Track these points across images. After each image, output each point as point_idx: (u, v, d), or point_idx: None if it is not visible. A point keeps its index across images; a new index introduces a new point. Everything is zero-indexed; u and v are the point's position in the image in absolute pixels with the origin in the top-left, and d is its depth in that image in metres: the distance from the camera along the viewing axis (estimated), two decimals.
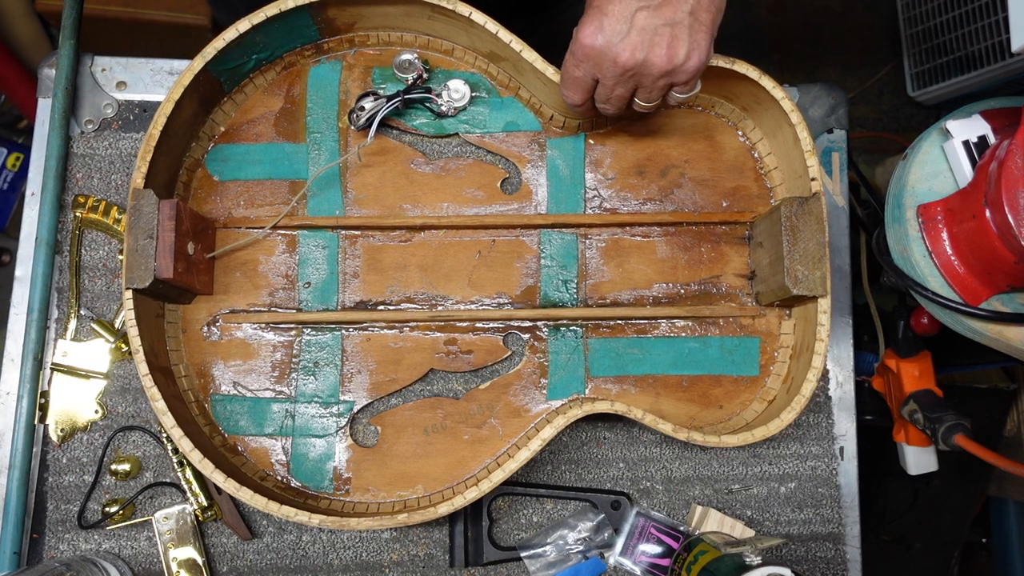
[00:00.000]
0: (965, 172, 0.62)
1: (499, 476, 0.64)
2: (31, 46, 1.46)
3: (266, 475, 0.68)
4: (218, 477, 0.60)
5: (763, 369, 0.72)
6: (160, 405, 0.61)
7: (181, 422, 0.62)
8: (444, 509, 0.63)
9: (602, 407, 0.65)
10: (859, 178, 0.82)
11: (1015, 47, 0.59)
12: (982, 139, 0.62)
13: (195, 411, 0.67)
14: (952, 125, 0.63)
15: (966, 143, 0.63)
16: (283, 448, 0.68)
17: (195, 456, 0.61)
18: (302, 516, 0.61)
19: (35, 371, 0.70)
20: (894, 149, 1.54)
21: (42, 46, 1.47)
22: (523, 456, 0.64)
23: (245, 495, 0.61)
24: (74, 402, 0.72)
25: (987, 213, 0.57)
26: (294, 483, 0.68)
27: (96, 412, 0.72)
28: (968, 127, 0.63)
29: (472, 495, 0.63)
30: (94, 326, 0.72)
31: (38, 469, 0.71)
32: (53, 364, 0.72)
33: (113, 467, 0.70)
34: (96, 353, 0.72)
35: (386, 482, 0.68)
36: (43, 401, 0.71)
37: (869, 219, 0.82)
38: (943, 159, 0.64)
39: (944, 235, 0.62)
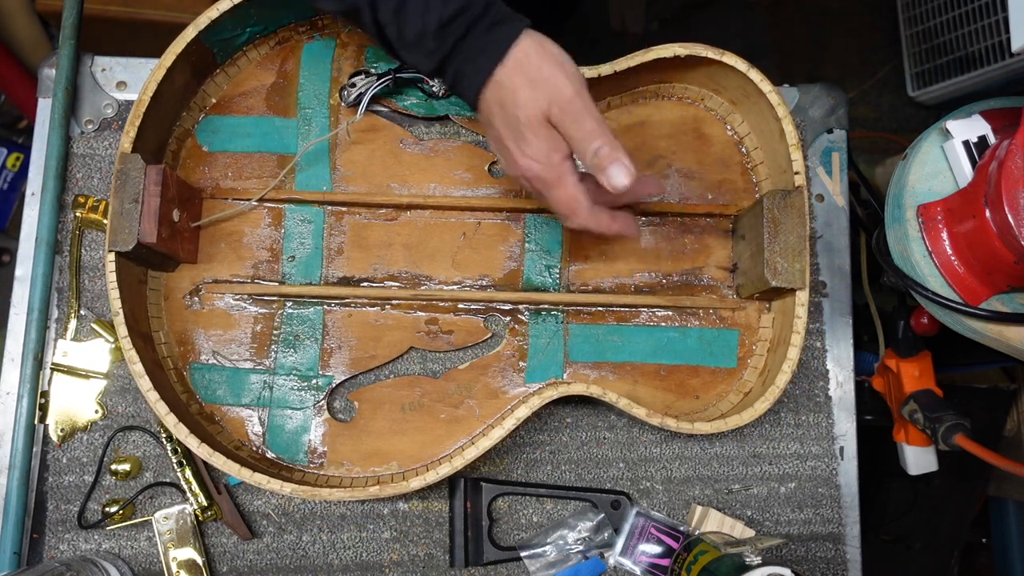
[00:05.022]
0: (965, 172, 0.62)
1: (472, 453, 0.65)
2: (31, 46, 1.46)
3: (241, 444, 0.68)
4: (192, 442, 0.61)
5: (741, 361, 0.72)
6: (138, 368, 0.62)
7: (158, 387, 0.62)
8: (416, 484, 0.63)
9: (577, 389, 0.66)
10: (859, 178, 0.82)
11: (1015, 47, 0.59)
12: (982, 139, 0.62)
13: (173, 378, 0.68)
14: (952, 125, 0.63)
15: (966, 143, 0.63)
16: (260, 419, 0.69)
17: (170, 420, 0.61)
18: (274, 484, 0.61)
19: (35, 371, 0.70)
20: (894, 149, 1.54)
21: (42, 46, 1.47)
22: (497, 435, 0.65)
23: (218, 461, 0.61)
24: (74, 402, 0.72)
25: (987, 213, 0.57)
26: (269, 454, 0.68)
27: (96, 412, 0.72)
28: (968, 127, 0.63)
29: (445, 470, 0.64)
30: (94, 326, 0.72)
31: (38, 469, 0.71)
32: (53, 364, 0.72)
33: (113, 467, 0.70)
34: (96, 353, 0.72)
35: (361, 457, 0.68)
36: (43, 401, 0.71)
37: (869, 219, 0.82)
38: (943, 159, 0.64)
39: (944, 235, 0.62)
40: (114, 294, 0.62)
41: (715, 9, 1.77)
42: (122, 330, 0.62)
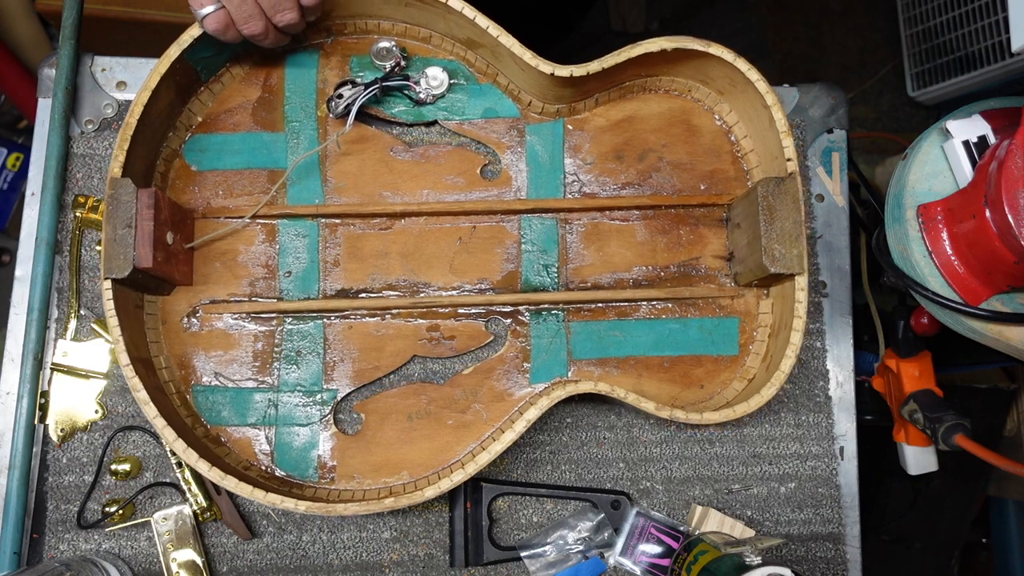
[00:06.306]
0: (965, 172, 0.62)
1: (485, 458, 0.64)
2: (31, 46, 1.46)
3: (250, 465, 0.68)
4: (202, 466, 0.60)
5: (742, 348, 0.72)
6: (142, 395, 0.61)
7: (163, 413, 0.62)
8: (431, 493, 0.63)
9: (585, 387, 0.66)
10: (859, 178, 0.82)
11: (1015, 47, 0.59)
12: (982, 139, 0.62)
13: (177, 402, 0.67)
14: (952, 125, 0.63)
15: (966, 143, 0.63)
16: (267, 438, 0.69)
17: (179, 446, 0.61)
18: (288, 503, 0.61)
19: (35, 371, 0.70)
20: (894, 149, 1.55)
21: (42, 46, 1.47)
22: (508, 438, 0.65)
23: (230, 483, 0.61)
24: (74, 402, 0.72)
25: (987, 213, 0.57)
26: (278, 472, 0.68)
27: (96, 412, 0.72)
28: (968, 127, 0.63)
29: (459, 477, 0.64)
30: (94, 326, 0.72)
31: (38, 469, 0.71)
32: (53, 364, 0.72)
33: (113, 467, 0.70)
34: (96, 353, 0.72)
35: (371, 469, 0.68)
36: (43, 401, 0.71)
37: (869, 219, 0.82)
38: (943, 159, 0.64)
39: (944, 235, 0.62)
40: (113, 322, 0.61)
41: (715, 9, 1.77)
42: (124, 358, 0.61)
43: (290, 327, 0.70)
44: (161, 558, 0.69)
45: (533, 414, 0.65)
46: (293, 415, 0.69)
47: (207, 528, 0.71)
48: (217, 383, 0.69)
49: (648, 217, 0.74)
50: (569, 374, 0.71)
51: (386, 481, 0.68)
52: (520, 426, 0.65)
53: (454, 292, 0.72)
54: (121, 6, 1.24)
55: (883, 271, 0.70)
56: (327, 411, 0.69)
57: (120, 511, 0.69)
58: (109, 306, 0.61)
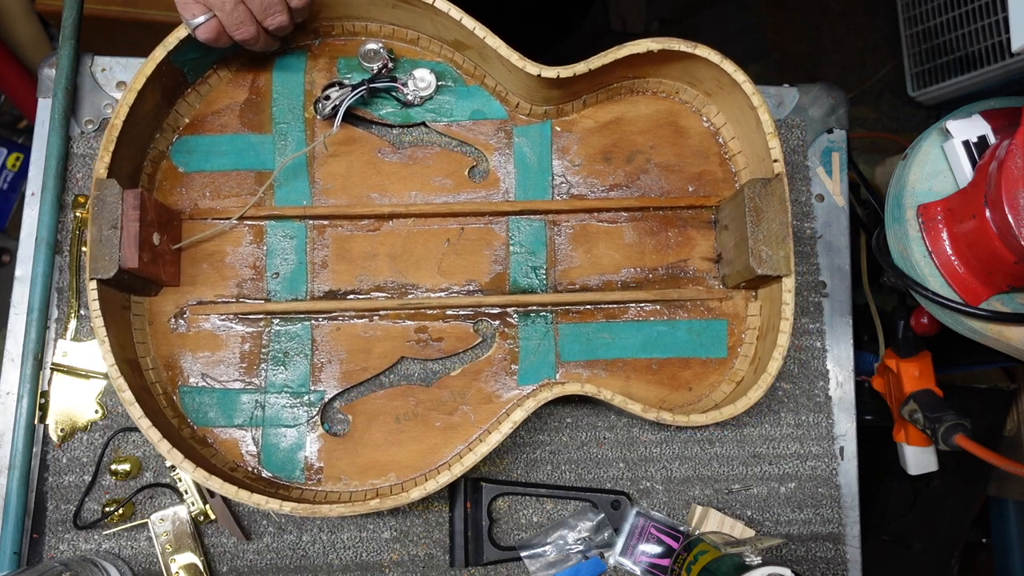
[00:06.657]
0: (965, 172, 0.62)
1: (471, 460, 0.64)
2: (31, 46, 1.46)
3: (236, 466, 0.68)
4: (187, 467, 0.60)
5: (731, 351, 0.72)
6: (127, 396, 0.61)
7: (149, 413, 0.62)
8: (416, 494, 0.63)
9: (572, 389, 0.66)
10: (859, 178, 0.82)
11: (1015, 47, 0.59)
12: (982, 139, 0.62)
13: (163, 403, 0.67)
14: (952, 125, 0.63)
15: (966, 143, 0.63)
16: (253, 439, 0.68)
17: (163, 447, 0.61)
18: (273, 504, 0.61)
19: (35, 371, 0.70)
20: (894, 149, 1.55)
21: (42, 46, 1.47)
22: (494, 439, 0.65)
23: (214, 484, 0.61)
24: (74, 402, 0.72)
25: (987, 213, 0.57)
26: (265, 474, 0.68)
27: (96, 412, 0.72)
28: (968, 127, 0.63)
29: (445, 479, 0.64)
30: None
31: (38, 469, 0.71)
32: (53, 364, 0.72)
33: (113, 467, 0.70)
34: (96, 353, 0.72)
35: (358, 471, 0.68)
36: (43, 401, 0.71)
37: (869, 219, 0.82)
38: (943, 159, 0.64)
39: (944, 235, 0.62)
40: (98, 322, 0.61)
41: (715, 9, 1.78)
42: (109, 358, 0.61)
43: (278, 328, 0.70)
44: (160, 559, 0.69)
45: (519, 415, 0.65)
46: (280, 416, 0.69)
47: (207, 528, 0.71)
48: (204, 384, 0.69)
49: (636, 219, 0.74)
50: (557, 376, 0.71)
51: (373, 483, 0.68)
52: (506, 427, 0.65)
53: (442, 294, 0.72)
54: (121, 6, 1.24)
55: (883, 271, 0.70)
56: (314, 413, 0.69)
57: (119, 511, 0.69)
58: (95, 306, 0.62)
